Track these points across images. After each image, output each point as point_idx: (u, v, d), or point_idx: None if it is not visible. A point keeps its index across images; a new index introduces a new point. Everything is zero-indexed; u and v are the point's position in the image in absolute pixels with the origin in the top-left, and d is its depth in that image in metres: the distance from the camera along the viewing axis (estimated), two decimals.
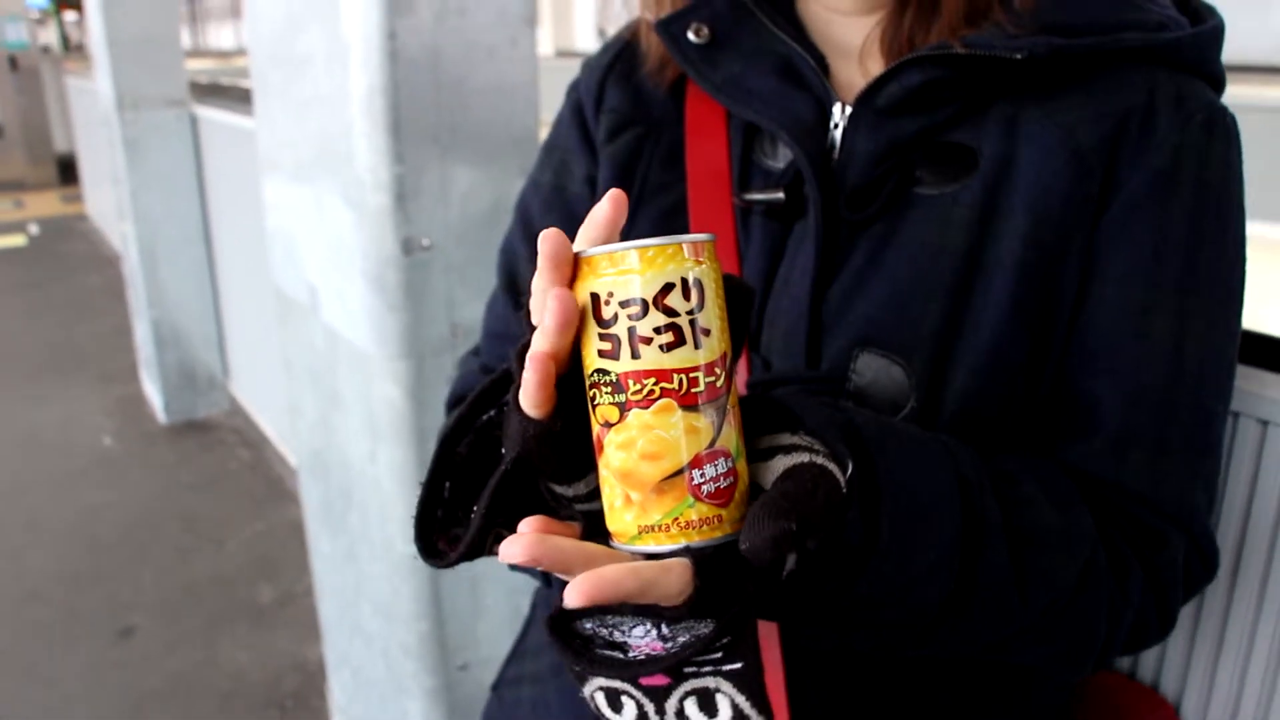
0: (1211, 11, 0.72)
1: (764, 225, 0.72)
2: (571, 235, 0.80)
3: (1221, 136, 0.68)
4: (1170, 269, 0.65)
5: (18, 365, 5.25)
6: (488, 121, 1.58)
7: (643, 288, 0.47)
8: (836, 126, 0.71)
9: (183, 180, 4.12)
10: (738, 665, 0.48)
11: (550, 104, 0.92)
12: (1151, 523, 0.65)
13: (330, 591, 2.24)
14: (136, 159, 4.02)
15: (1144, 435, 0.65)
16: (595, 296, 0.48)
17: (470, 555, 0.55)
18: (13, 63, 10.41)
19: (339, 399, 1.93)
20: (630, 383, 0.48)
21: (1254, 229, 0.70)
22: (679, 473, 0.48)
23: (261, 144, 2.02)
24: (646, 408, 0.48)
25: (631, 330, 0.47)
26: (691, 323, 0.48)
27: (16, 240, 8.26)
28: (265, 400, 4.14)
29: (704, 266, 0.49)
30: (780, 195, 0.70)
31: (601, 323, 0.48)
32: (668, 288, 0.47)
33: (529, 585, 1.74)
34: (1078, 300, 0.66)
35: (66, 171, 10.02)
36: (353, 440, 1.90)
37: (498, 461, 0.54)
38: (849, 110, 0.70)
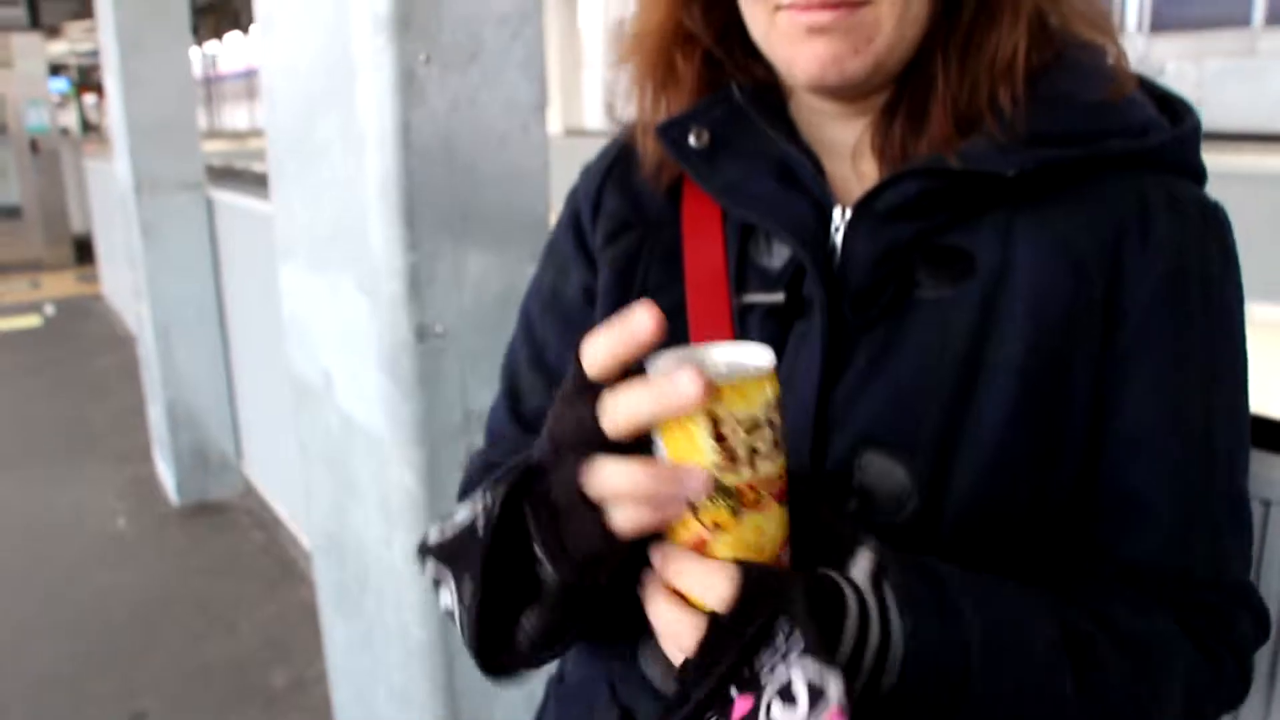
0: (1188, 109, 0.74)
1: (763, 325, 0.73)
2: (567, 339, 0.81)
3: (1216, 230, 0.70)
4: (1194, 366, 0.68)
5: (32, 446, 5.27)
6: (500, 208, 1.59)
7: (758, 408, 0.54)
8: (837, 229, 0.72)
9: (198, 263, 4.17)
10: None
11: (559, 183, 0.94)
12: (1222, 606, 0.70)
13: (344, 677, 2.21)
14: (153, 241, 4.08)
15: (1199, 524, 0.68)
16: (714, 417, 0.53)
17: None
18: (33, 145, 10.62)
19: (354, 484, 1.93)
20: (747, 491, 0.54)
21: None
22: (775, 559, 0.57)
23: (278, 231, 2.04)
24: (758, 510, 0.55)
25: (749, 445, 0.54)
26: (783, 433, 0.56)
27: (32, 321, 8.35)
28: (279, 482, 4.14)
29: (777, 381, 0.55)
30: (781, 296, 0.71)
31: (719, 438, 0.53)
32: (768, 406, 0.54)
33: (544, 672, 1.72)
34: (1109, 406, 0.68)
35: (83, 252, 10.16)
36: (367, 525, 1.89)
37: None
38: (848, 214, 0.71)
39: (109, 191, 6.39)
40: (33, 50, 10.49)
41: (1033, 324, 0.66)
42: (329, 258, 1.78)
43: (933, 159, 0.67)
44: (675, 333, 0.75)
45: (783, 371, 0.71)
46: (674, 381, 0.52)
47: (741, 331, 0.73)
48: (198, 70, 33.10)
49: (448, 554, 0.63)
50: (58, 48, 23.02)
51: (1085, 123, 0.69)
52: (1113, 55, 0.72)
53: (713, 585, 0.54)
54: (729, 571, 0.54)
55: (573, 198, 0.88)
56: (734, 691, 0.53)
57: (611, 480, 0.55)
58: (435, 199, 1.54)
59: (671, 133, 0.76)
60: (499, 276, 1.62)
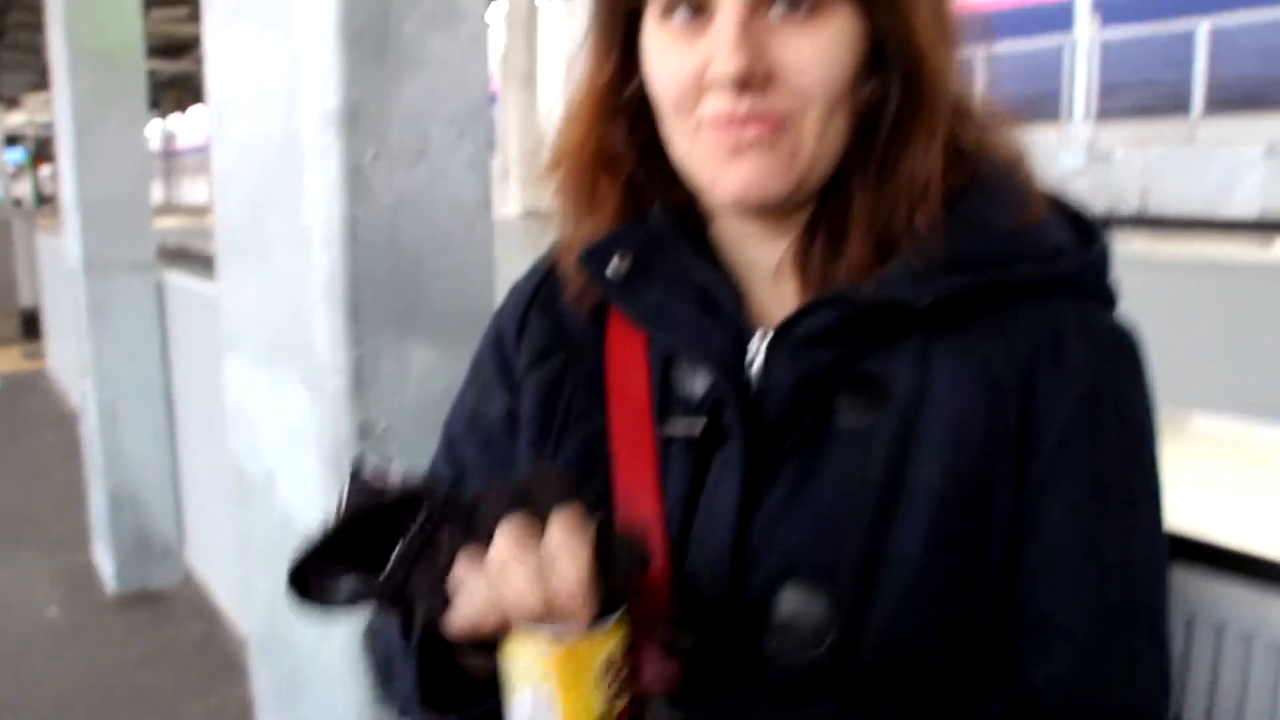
0: (1099, 231, 0.76)
1: (684, 453, 0.72)
2: (488, 460, 0.80)
3: (1128, 354, 0.72)
4: (1110, 490, 0.68)
5: None
6: (445, 305, 1.58)
7: (614, 652, 0.60)
8: (755, 357, 0.72)
9: (147, 344, 4.11)
10: None
11: (516, 269, 0.92)
12: None
13: None
14: (100, 321, 4.01)
15: (1115, 646, 0.68)
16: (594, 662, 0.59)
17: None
18: None
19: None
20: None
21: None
22: None
23: (225, 322, 2.01)
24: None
25: (619, 679, 0.60)
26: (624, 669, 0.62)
27: None
28: (220, 572, 4.03)
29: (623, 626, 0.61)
30: (700, 426, 0.71)
31: (597, 680, 0.60)
32: (620, 644, 0.61)
33: None
34: (1026, 529, 0.68)
35: (30, 326, 10.00)
36: (305, 624, 1.84)
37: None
38: (768, 339, 0.72)
39: (59, 266, 6.32)
40: None
41: (951, 449, 0.67)
42: (274, 353, 1.76)
43: (847, 289, 0.68)
44: (599, 459, 0.74)
45: (703, 501, 0.70)
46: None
47: (664, 459, 0.73)
48: (157, 144, 33.17)
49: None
50: (16, 119, 22.96)
51: (999, 248, 0.70)
52: (1024, 176, 0.74)
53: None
54: None
55: (499, 317, 0.88)
56: None
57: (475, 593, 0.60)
58: (380, 295, 1.52)
59: (593, 258, 0.76)
60: (443, 373, 1.60)
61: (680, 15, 0.68)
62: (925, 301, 0.66)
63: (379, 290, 1.52)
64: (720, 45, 0.65)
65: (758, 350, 0.72)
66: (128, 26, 3.93)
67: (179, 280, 3.87)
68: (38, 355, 9.41)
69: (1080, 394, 0.68)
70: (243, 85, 1.76)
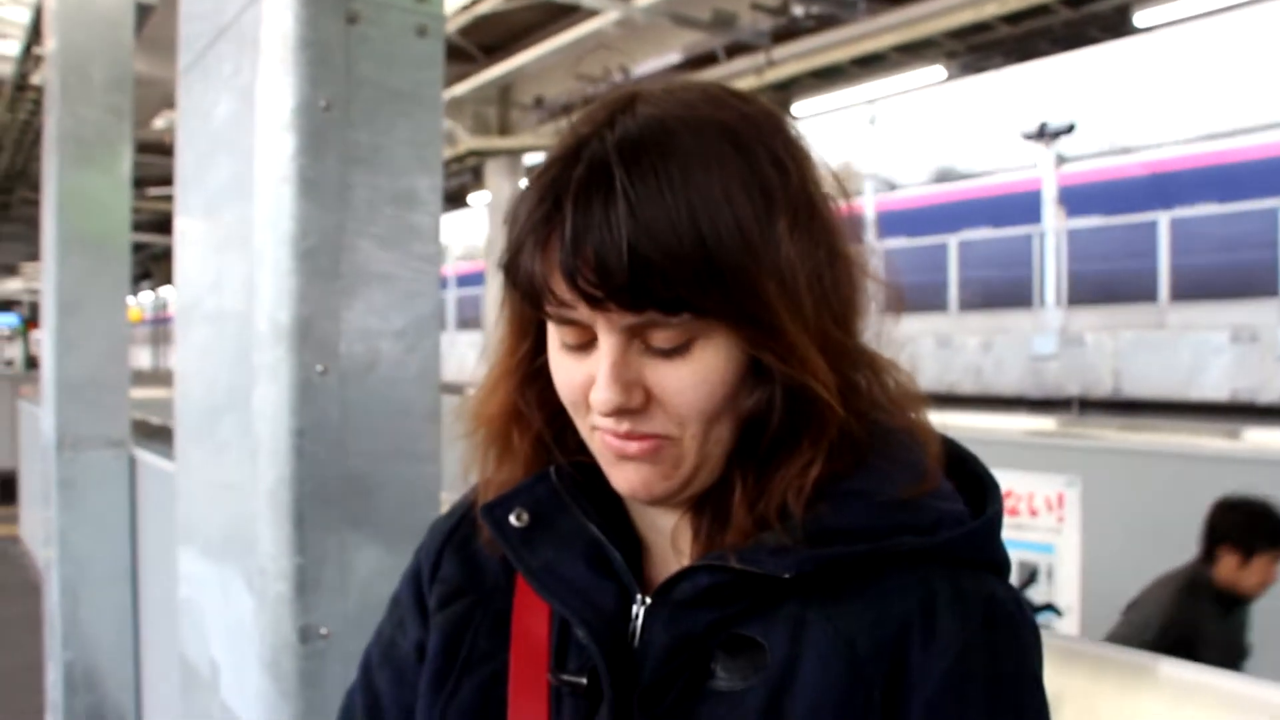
0: (992, 496, 0.77)
1: (573, 704, 0.75)
2: (399, 693, 0.83)
3: (1005, 626, 0.71)
4: None
5: None
6: (391, 514, 1.62)
7: None
8: (637, 617, 0.74)
9: (115, 521, 4.10)
10: None
11: None
12: None
13: None
14: (70, 498, 4.02)
15: None
16: None
17: None
18: None
19: None
20: None
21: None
22: None
23: (179, 516, 2.05)
24: None
25: None
26: None
27: None
28: None
29: None
30: (583, 681, 0.73)
31: None
32: None
33: None
34: None
35: (6, 490, 9.93)
36: None
37: None
38: (647, 603, 0.74)
39: (36, 436, 6.34)
40: None
41: None
42: (223, 551, 1.79)
43: (717, 556, 0.71)
44: (494, 703, 0.77)
45: None
46: None
47: (556, 707, 0.75)
48: (149, 313, 33.65)
49: None
50: (13, 285, 23.33)
51: (873, 519, 0.71)
52: (922, 448, 0.75)
53: None
54: None
55: (418, 553, 0.91)
56: None
57: None
58: (326, 505, 1.56)
59: (495, 513, 0.79)
60: (388, 580, 1.61)
61: (569, 334, 0.73)
62: (788, 573, 0.68)
63: (325, 500, 1.56)
64: (599, 378, 0.70)
65: (639, 611, 0.74)
66: (117, 214, 4.08)
67: (152, 460, 3.90)
68: (11, 520, 9.31)
69: (947, 670, 0.68)
70: (204, 295, 1.85)
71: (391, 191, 1.65)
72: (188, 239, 1.98)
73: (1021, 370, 11.87)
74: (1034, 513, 4.34)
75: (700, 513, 0.76)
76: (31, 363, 16.35)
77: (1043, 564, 4.33)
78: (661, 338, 0.70)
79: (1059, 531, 4.31)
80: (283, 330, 1.55)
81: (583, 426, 0.76)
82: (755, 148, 0.71)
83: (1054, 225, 13.67)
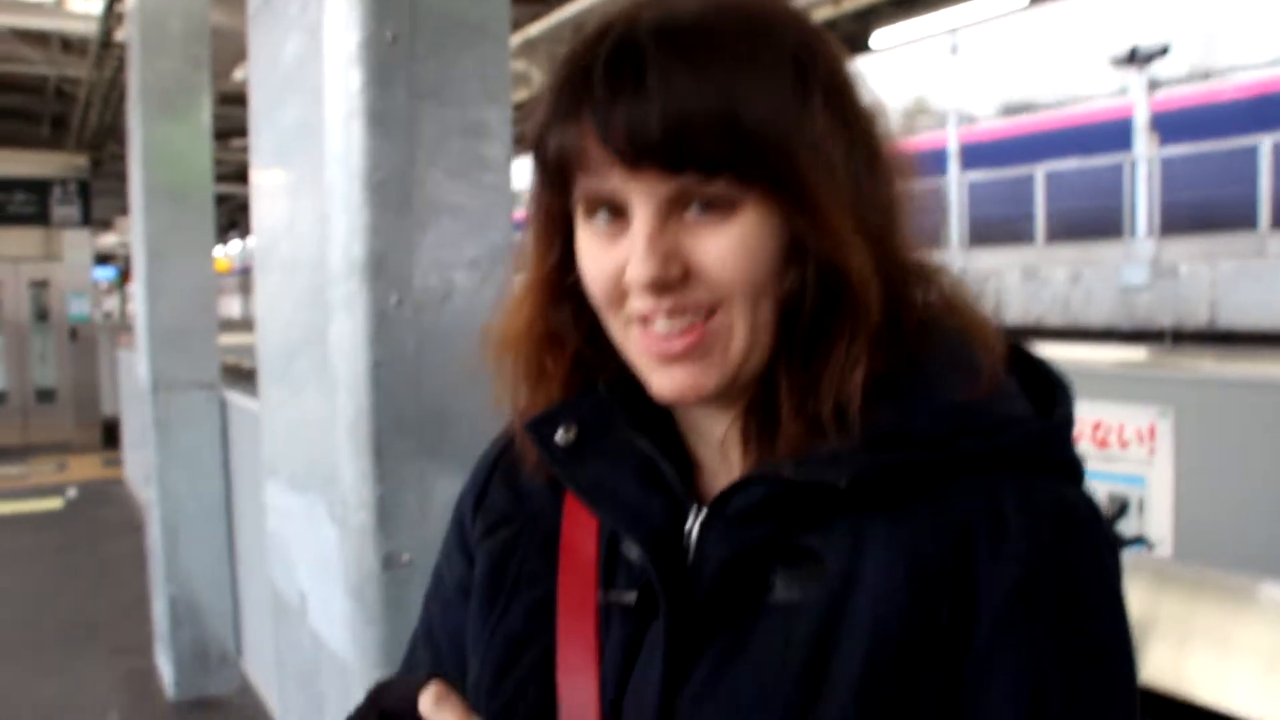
0: (1063, 397, 0.73)
1: (622, 622, 0.73)
2: (447, 623, 0.84)
3: (1078, 530, 0.67)
4: (1050, 696, 0.64)
5: (34, 634, 5.24)
6: (468, 441, 1.64)
7: None
8: (692, 531, 0.72)
9: (209, 460, 4.25)
10: None
11: None
12: None
13: None
14: (165, 438, 4.17)
15: None
16: None
17: None
18: (73, 333, 10.99)
19: (322, 702, 1.92)
20: None
21: None
22: None
23: (265, 449, 2.10)
24: None
25: None
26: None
27: (53, 504, 8.44)
28: (273, 682, 4.08)
29: None
30: (632, 597, 0.72)
31: None
32: None
33: None
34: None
35: (110, 435, 10.34)
36: None
37: None
38: (702, 515, 0.72)
39: (134, 382, 6.58)
40: (80, 245, 11.00)
41: (870, 637, 0.65)
42: (306, 483, 1.83)
43: (772, 467, 0.68)
44: (543, 625, 0.75)
45: (634, 675, 0.71)
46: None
47: (605, 627, 0.73)
48: (238, 262, 34.52)
49: None
50: (109, 239, 24.06)
51: (932, 423, 0.68)
52: (981, 348, 0.71)
53: None
54: None
55: (465, 486, 0.90)
56: None
57: None
58: (404, 435, 1.59)
59: (540, 429, 0.77)
60: None
61: (601, 217, 0.70)
62: (844, 482, 0.65)
63: (403, 430, 1.59)
64: (635, 251, 0.67)
65: (693, 525, 0.72)
66: (199, 164, 4.17)
67: (241, 400, 4.01)
68: (117, 463, 9.71)
69: (1018, 578, 0.64)
70: (279, 237, 1.88)
71: (460, 123, 1.64)
72: (261, 181, 2.01)
73: (1112, 302, 11.50)
74: (1124, 445, 4.22)
75: (749, 420, 0.73)
76: (130, 314, 16.90)
77: (1134, 496, 4.23)
78: (700, 204, 0.67)
79: (1150, 464, 4.19)
80: (356, 265, 1.57)
81: (618, 331, 0.72)
82: (786, 31, 0.69)
83: (1145, 153, 13.17)
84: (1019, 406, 0.71)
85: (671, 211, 0.67)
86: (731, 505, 0.70)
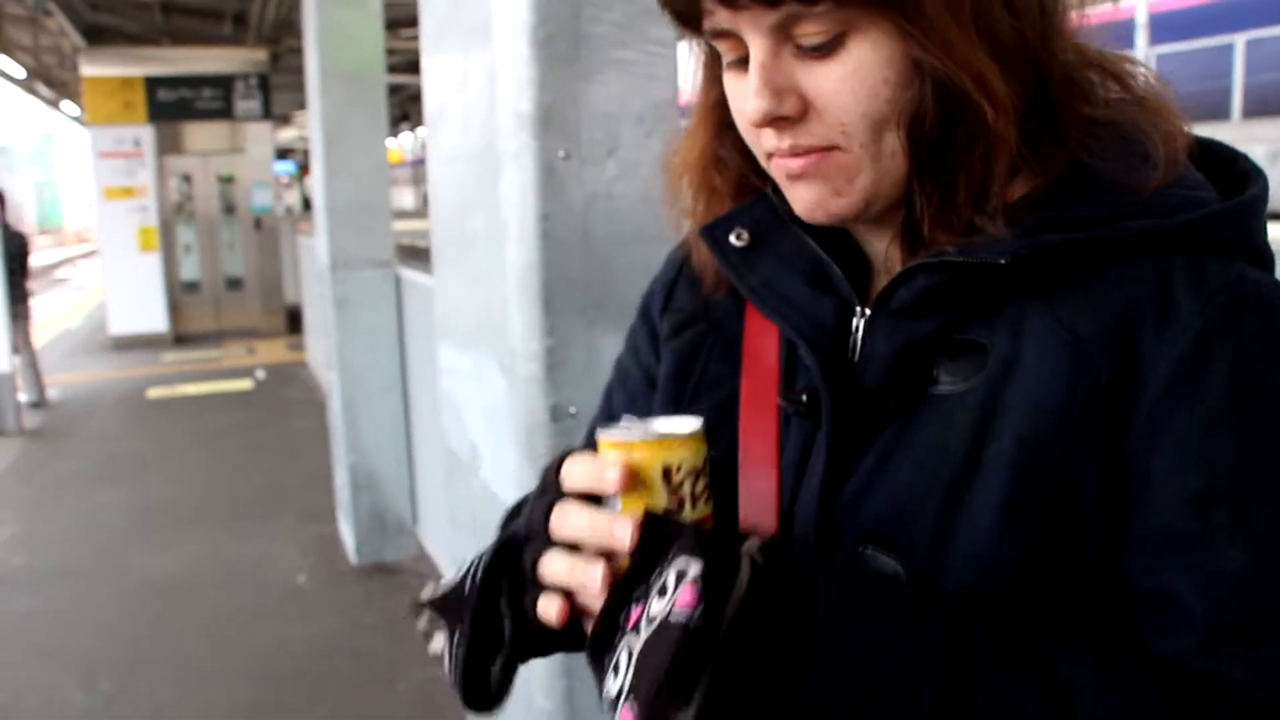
0: (1254, 178, 0.69)
1: (799, 422, 0.74)
2: (632, 411, 0.85)
3: (1255, 308, 0.63)
4: (1221, 456, 0.62)
5: (228, 502, 5.66)
6: (632, 296, 1.64)
7: (698, 459, 0.65)
8: (857, 330, 0.73)
9: (385, 335, 4.44)
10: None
11: None
12: (1269, 704, 0.61)
13: None
14: (345, 314, 4.37)
15: (1237, 626, 0.62)
16: (667, 468, 0.63)
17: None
18: (257, 223, 11.56)
19: None
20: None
21: None
22: None
23: (437, 312, 2.17)
24: None
25: (691, 490, 0.64)
26: (709, 481, 0.66)
27: (245, 384, 9.01)
28: (449, 547, 4.30)
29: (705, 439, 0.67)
30: (804, 397, 0.73)
31: (670, 485, 0.64)
32: (703, 458, 0.65)
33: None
34: (1126, 499, 0.64)
35: (294, 321, 10.92)
36: None
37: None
38: (867, 314, 0.72)
39: (314, 267, 6.90)
40: (262, 138, 11.48)
41: (1027, 416, 0.64)
42: (476, 339, 1.89)
43: (937, 252, 0.67)
44: (726, 426, 0.78)
45: (807, 472, 0.73)
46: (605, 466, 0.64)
47: (785, 427, 0.76)
48: (410, 153, 35.45)
49: (440, 609, 0.77)
50: (288, 134, 25.04)
51: (1095, 208, 0.66)
52: (1164, 138, 0.68)
53: (619, 528, 0.62)
54: (632, 517, 0.62)
55: (652, 284, 0.93)
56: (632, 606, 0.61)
57: (553, 567, 0.66)
58: (571, 288, 1.61)
59: (715, 232, 0.79)
60: None
61: (730, 54, 0.70)
62: (1005, 259, 0.64)
63: (570, 283, 1.61)
64: (750, 85, 0.67)
65: (858, 324, 0.73)
66: (371, 47, 4.26)
67: (415, 276, 4.15)
68: (300, 348, 10.27)
69: (1183, 353, 0.62)
70: (450, 96, 1.90)
71: None
72: (432, 43, 2.04)
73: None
74: None
75: (904, 237, 0.72)
76: (308, 206, 17.64)
77: None
78: (808, 32, 0.64)
79: None
80: (524, 118, 1.58)
81: (761, 156, 0.73)
82: None
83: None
84: (1200, 193, 0.68)
85: (783, 41, 0.66)
86: (895, 299, 0.70)
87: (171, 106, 10.97)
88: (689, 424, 0.66)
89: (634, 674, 0.58)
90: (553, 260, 1.60)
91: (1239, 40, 12.59)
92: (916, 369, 0.69)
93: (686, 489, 0.63)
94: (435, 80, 2.03)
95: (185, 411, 8.06)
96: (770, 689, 0.59)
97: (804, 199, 0.70)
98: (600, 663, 0.61)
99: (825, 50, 0.65)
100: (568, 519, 0.65)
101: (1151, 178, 0.66)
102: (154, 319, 11.16)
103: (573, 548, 0.65)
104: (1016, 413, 0.65)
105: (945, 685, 0.59)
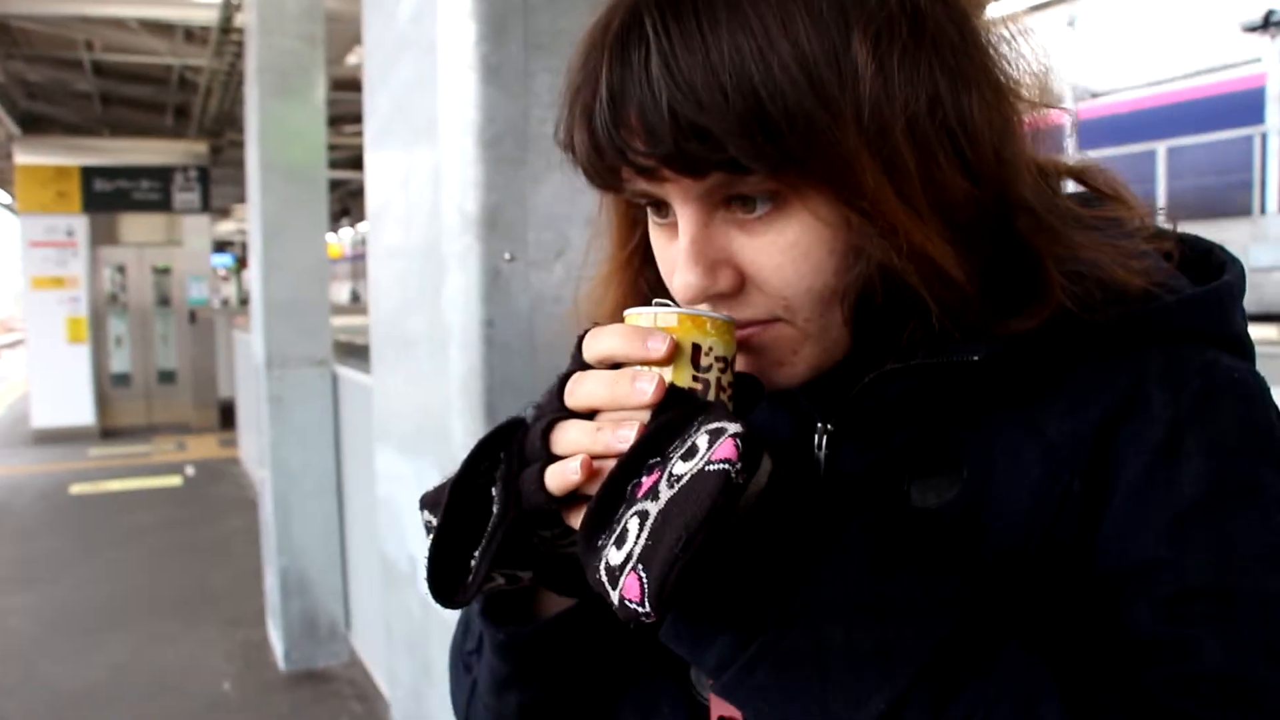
0: (1229, 266, 0.66)
1: None
2: None
3: (1229, 395, 0.59)
4: (1196, 551, 0.57)
5: (154, 604, 5.42)
6: None
7: (727, 349, 0.59)
8: (821, 447, 0.68)
9: (320, 434, 4.32)
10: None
11: None
12: None
13: None
14: (279, 413, 4.25)
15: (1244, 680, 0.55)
16: (696, 347, 0.58)
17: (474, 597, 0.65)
18: (192, 316, 11.38)
19: (431, 670, 1.91)
20: None
21: None
22: None
23: (376, 414, 2.10)
24: None
25: (717, 378, 0.59)
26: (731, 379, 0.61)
27: (174, 481, 8.74)
28: (382, 655, 4.14)
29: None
30: None
31: (698, 367, 0.58)
32: (732, 350, 0.60)
33: None
34: (1100, 598, 0.59)
35: (226, 416, 10.68)
36: (444, 711, 1.86)
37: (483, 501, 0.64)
38: (829, 429, 0.67)
39: (249, 362, 6.77)
40: (200, 231, 11.37)
41: (1004, 533, 0.60)
42: (417, 444, 1.82)
43: (901, 356, 0.62)
44: None
45: None
46: (645, 335, 0.57)
47: None
48: (349, 249, 35.48)
49: (433, 500, 0.69)
50: (227, 226, 24.93)
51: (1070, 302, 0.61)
52: (1128, 235, 0.64)
53: (644, 381, 0.57)
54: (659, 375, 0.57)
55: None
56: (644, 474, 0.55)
57: (570, 434, 0.59)
58: (516, 393, 1.56)
59: None
60: None
61: (655, 212, 0.64)
62: (976, 357, 0.59)
63: (514, 389, 1.56)
64: (678, 258, 0.61)
65: (821, 441, 0.68)
66: (313, 143, 4.24)
67: (353, 375, 4.07)
68: (232, 444, 10.02)
69: (1156, 443, 0.58)
70: (393, 193, 1.86)
71: None
72: (376, 140, 2.00)
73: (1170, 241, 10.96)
74: None
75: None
76: (244, 300, 17.47)
77: None
78: (741, 203, 0.59)
79: None
80: (470, 219, 1.54)
81: None
82: None
83: (1278, 125, 12.48)
84: (1171, 281, 0.63)
85: (714, 209, 0.60)
86: (863, 410, 0.64)
87: (108, 197, 10.83)
88: (722, 314, 0.61)
89: (649, 536, 0.52)
90: (496, 365, 1.55)
91: (1160, 147, 13.13)
92: (888, 483, 0.64)
93: (714, 376, 0.58)
94: (379, 177, 1.99)
95: (110, 508, 7.76)
96: (775, 575, 0.55)
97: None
98: (594, 541, 0.54)
99: (761, 221, 0.60)
100: (585, 383, 0.60)
101: (1122, 274, 0.62)
102: (80, 412, 10.84)
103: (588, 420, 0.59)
104: (992, 530, 0.61)
105: (948, 647, 0.54)
